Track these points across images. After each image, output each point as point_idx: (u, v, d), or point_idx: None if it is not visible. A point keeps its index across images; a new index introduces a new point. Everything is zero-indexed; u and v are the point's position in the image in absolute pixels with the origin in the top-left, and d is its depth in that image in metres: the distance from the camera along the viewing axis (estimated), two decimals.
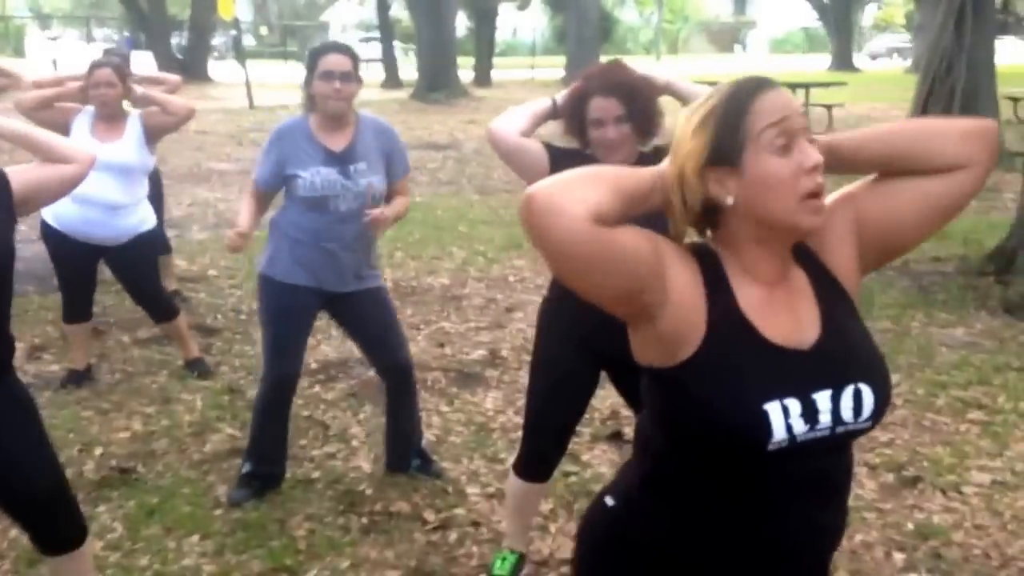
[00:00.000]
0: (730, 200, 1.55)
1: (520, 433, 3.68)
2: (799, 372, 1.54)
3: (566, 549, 3.59)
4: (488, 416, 4.86)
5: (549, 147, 3.09)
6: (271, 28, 59.36)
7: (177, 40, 34.73)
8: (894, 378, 5.09)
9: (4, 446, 2.69)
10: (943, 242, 8.08)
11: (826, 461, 1.60)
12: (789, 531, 1.60)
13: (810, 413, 1.52)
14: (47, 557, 2.92)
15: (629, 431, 4.51)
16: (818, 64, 39.59)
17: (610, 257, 1.47)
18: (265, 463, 4.05)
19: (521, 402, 4.86)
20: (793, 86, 16.58)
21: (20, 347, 3.20)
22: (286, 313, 3.87)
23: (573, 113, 3.00)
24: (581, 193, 1.46)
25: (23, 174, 2.75)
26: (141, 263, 5.21)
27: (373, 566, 3.49)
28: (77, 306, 5.21)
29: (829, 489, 1.63)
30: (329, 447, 4.46)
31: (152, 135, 5.12)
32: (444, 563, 3.51)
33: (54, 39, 47.26)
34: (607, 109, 2.89)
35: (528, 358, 5.43)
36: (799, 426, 1.51)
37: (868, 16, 57.88)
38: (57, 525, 2.85)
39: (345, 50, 3.78)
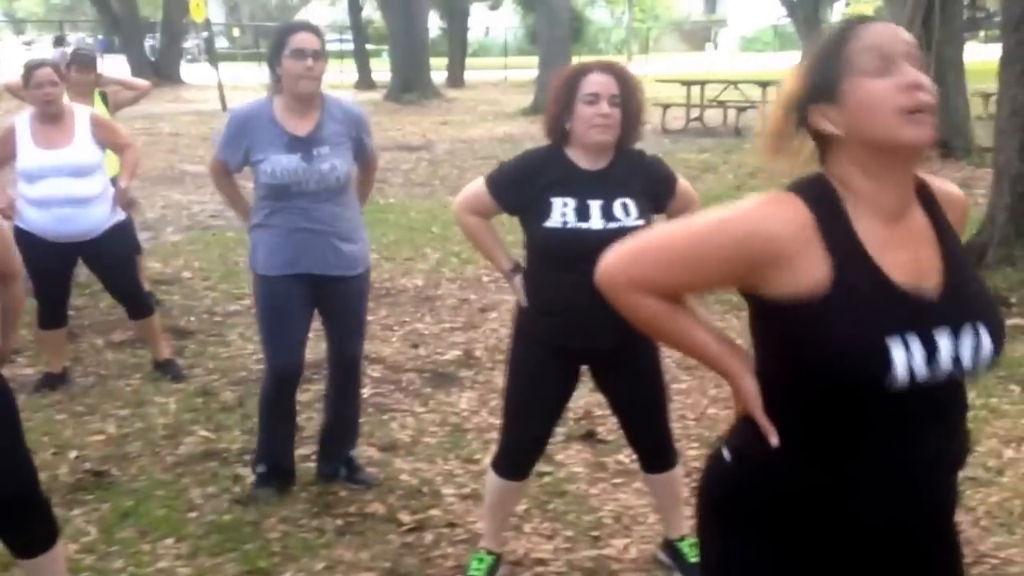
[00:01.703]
0: (835, 130, 1.59)
1: (495, 434, 3.71)
2: (923, 314, 1.56)
3: (541, 549, 3.60)
4: (463, 416, 4.86)
5: (490, 187, 3.12)
6: (243, 30, 59.01)
7: (150, 43, 34.50)
8: None
9: None
10: None
11: (944, 395, 1.62)
12: (911, 468, 1.61)
13: (931, 354, 1.55)
14: (20, 560, 2.89)
15: (603, 430, 4.53)
16: (789, 62, 39.76)
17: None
18: (278, 461, 4.03)
19: (496, 402, 4.88)
20: (763, 84, 16.60)
21: None
22: (274, 304, 3.81)
23: (564, 91, 2.96)
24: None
25: None
26: (118, 254, 5.16)
27: (348, 568, 3.48)
28: (53, 312, 5.15)
29: (949, 421, 1.66)
30: (303, 449, 4.43)
31: (101, 138, 5.01)
32: (420, 564, 3.51)
33: (28, 44, 46.83)
34: (605, 85, 2.90)
35: (502, 358, 5.46)
36: (920, 367, 1.54)
37: (837, 13, 58.22)
38: (29, 528, 2.83)
39: (313, 28, 3.71)
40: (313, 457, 4.30)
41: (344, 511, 3.88)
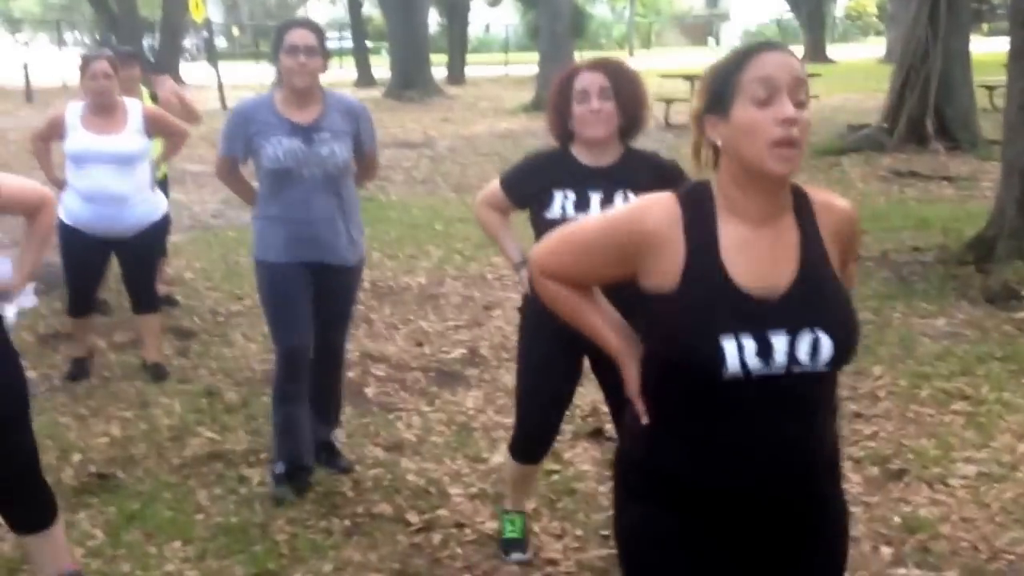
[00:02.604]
0: (719, 142, 1.79)
1: (502, 432, 3.69)
2: (759, 314, 1.73)
3: (550, 548, 3.57)
4: (469, 415, 4.82)
5: (503, 185, 3.25)
6: (242, 29, 59.00)
7: (149, 42, 34.43)
8: (876, 370, 5.16)
9: None
10: (922, 231, 8.11)
11: (793, 388, 1.76)
12: (756, 446, 1.77)
13: (765, 351, 1.71)
14: (20, 536, 3.05)
15: (610, 428, 4.47)
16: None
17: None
18: (297, 459, 4.01)
19: (502, 400, 4.86)
20: None
21: None
22: (277, 290, 3.89)
23: (559, 95, 3.09)
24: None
25: (10, 190, 2.90)
26: (147, 251, 5.37)
27: (357, 569, 3.45)
28: (83, 301, 5.34)
29: (795, 408, 1.78)
30: None
31: (152, 129, 5.24)
32: (428, 565, 3.47)
33: (25, 44, 46.81)
34: (593, 80, 3.01)
35: (507, 355, 5.43)
36: (753, 362, 1.71)
37: (840, 7, 58.18)
38: (28, 505, 2.97)
39: (310, 25, 3.86)
40: (320, 458, 4.26)
41: (352, 511, 3.84)
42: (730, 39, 60.96)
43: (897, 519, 3.69)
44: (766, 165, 1.71)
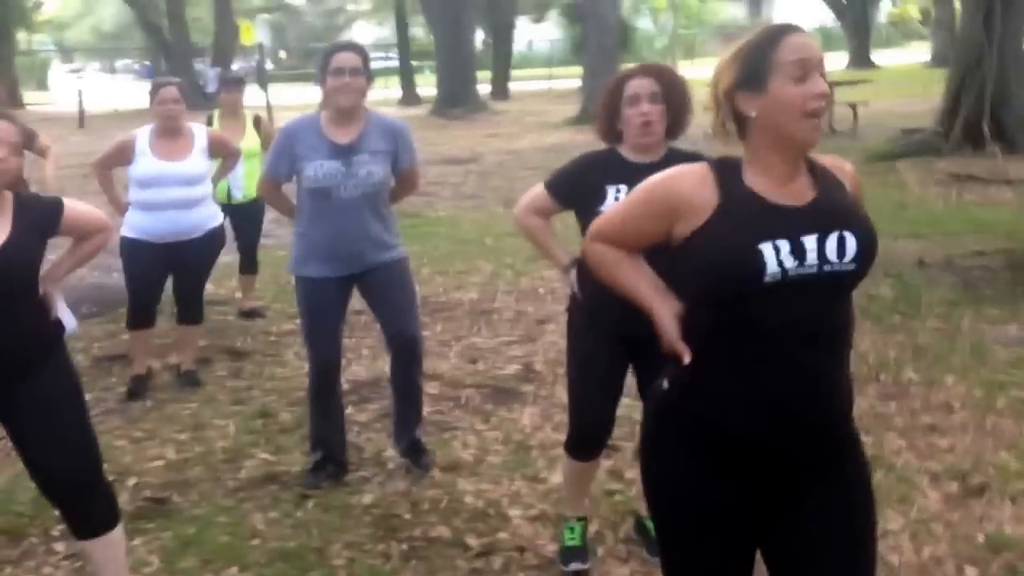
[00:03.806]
0: (754, 114, 1.98)
1: (560, 450, 3.61)
2: (789, 221, 1.95)
3: (616, 573, 3.46)
4: (526, 433, 4.71)
5: (549, 189, 3.38)
6: (289, 52, 59.66)
7: (199, 67, 34.88)
8: (948, 379, 4.99)
9: (40, 431, 2.90)
10: (984, 236, 7.89)
11: (818, 307, 1.96)
12: (786, 376, 1.95)
13: (798, 251, 1.92)
14: (79, 540, 3.09)
15: None
16: (835, 63, 39.33)
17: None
18: (331, 450, 4.24)
19: (559, 417, 4.75)
20: None
21: None
22: (311, 303, 4.13)
23: (610, 98, 3.23)
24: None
25: (77, 214, 3.05)
26: (203, 259, 5.54)
27: None
28: (143, 314, 5.51)
29: (823, 336, 1.97)
30: (364, 471, 4.33)
31: (215, 151, 5.57)
32: None
33: (77, 71, 47.69)
34: (643, 86, 3.15)
35: (562, 370, 5.30)
36: (789, 262, 1.91)
37: (883, 13, 57.51)
38: (90, 508, 3.03)
39: (355, 48, 4.07)
40: (375, 479, 4.21)
41: (409, 535, 3.75)
42: None
43: (981, 537, 3.52)
44: (801, 134, 1.95)
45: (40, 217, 2.95)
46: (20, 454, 3.02)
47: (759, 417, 1.97)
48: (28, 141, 6.25)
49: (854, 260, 1.95)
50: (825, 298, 1.96)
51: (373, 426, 4.86)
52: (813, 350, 1.95)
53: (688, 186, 2.02)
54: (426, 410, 5.01)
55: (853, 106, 16.44)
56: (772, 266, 1.90)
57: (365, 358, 5.76)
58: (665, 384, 2.12)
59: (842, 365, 2.04)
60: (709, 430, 2.02)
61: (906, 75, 28.07)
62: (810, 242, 1.92)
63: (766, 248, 1.90)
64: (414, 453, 4.33)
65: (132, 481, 4.28)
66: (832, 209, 1.98)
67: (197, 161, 5.36)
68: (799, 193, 2.00)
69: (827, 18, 47.14)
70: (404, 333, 4.22)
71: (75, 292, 7.52)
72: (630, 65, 3.61)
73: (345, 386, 5.29)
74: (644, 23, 57.61)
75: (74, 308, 7.15)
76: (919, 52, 39.58)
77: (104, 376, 5.72)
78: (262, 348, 6.22)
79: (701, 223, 1.97)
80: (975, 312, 6.07)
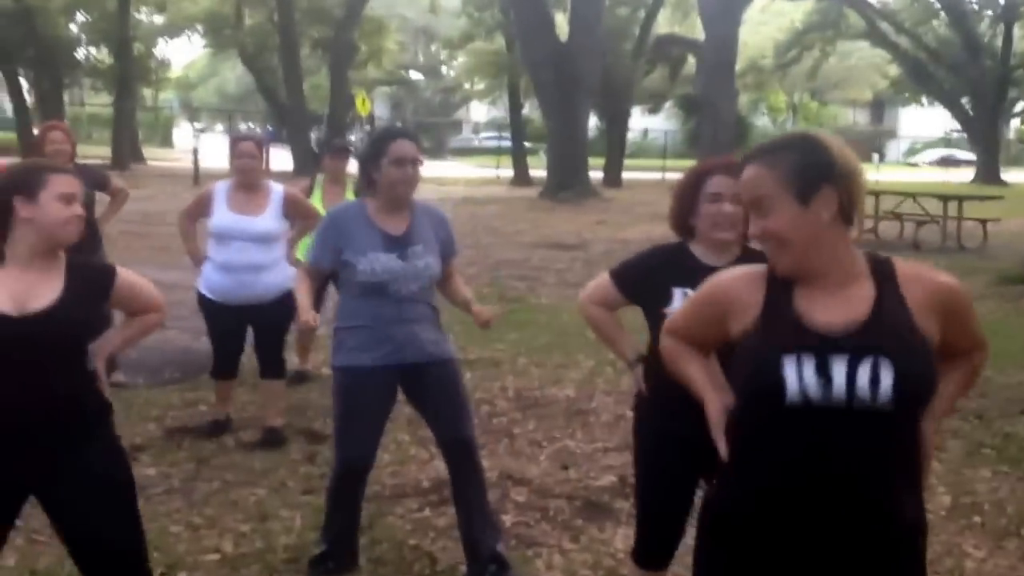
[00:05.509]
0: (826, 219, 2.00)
1: None
2: (821, 337, 1.88)
3: None
4: (618, 559, 4.21)
5: (615, 279, 3.25)
6: (405, 124, 60.85)
7: (315, 135, 35.62)
8: None
9: (82, 508, 2.72)
10: None
11: (853, 447, 1.87)
12: (814, 487, 1.90)
13: (823, 371, 1.84)
14: None
15: None
16: (960, 177, 38.23)
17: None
18: (338, 543, 3.95)
19: None
20: (943, 197, 15.95)
21: None
22: (353, 401, 3.84)
23: (688, 190, 3.09)
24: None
25: (130, 285, 2.88)
26: (280, 317, 5.54)
27: None
28: (226, 365, 5.74)
29: (866, 455, 1.87)
30: None
31: (291, 212, 5.61)
32: None
33: (200, 131, 49.39)
34: (728, 185, 2.97)
35: None
36: (813, 384, 1.84)
37: (1012, 129, 56.02)
38: None
39: (412, 135, 3.95)
40: None
41: None
42: (895, 155, 59.44)
43: None
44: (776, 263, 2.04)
45: (92, 281, 2.81)
46: (58, 531, 2.82)
47: (787, 517, 1.96)
48: (102, 182, 6.34)
49: (891, 398, 1.83)
50: (862, 439, 1.87)
51: (450, 533, 4.40)
52: (837, 460, 1.89)
53: (739, 288, 2.04)
54: (510, 519, 4.58)
55: (983, 222, 15.69)
56: (792, 382, 1.85)
57: (426, 460, 5.32)
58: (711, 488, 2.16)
59: (893, 508, 1.94)
60: (738, 525, 2.03)
61: None
62: (838, 363, 1.85)
63: (788, 360, 1.86)
64: (499, 567, 3.88)
65: (182, 575, 3.92)
66: (878, 331, 1.88)
67: (270, 218, 5.43)
68: (849, 307, 1.93)
69: (952, 127, 46.13)
70: (460, 435, 3.93)
71: (161, 355, 7.38)
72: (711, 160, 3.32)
73: (425, 484, 4.92)
74: (762, 121, 57.33)
75: (157, 372, 7.04)
76: None
77: (173, 450, 5.42)
78: None
79: (745, 327, 1.99)
80: None
